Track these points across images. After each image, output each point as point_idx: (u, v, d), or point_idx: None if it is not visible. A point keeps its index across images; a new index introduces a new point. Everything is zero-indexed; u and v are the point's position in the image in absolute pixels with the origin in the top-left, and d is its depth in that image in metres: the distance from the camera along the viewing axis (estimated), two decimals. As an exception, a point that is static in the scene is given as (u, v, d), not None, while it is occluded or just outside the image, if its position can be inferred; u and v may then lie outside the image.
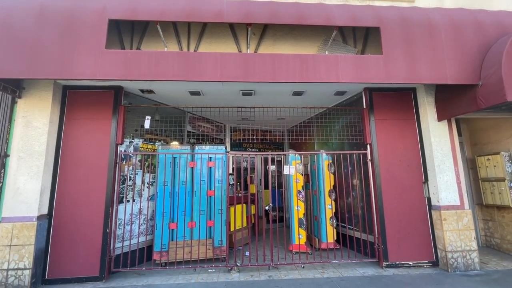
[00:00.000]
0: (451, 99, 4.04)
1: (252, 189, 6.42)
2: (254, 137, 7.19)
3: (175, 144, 5.31)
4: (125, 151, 4.35)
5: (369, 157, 4.45)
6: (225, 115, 4.46)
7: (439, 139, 4.27)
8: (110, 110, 4.16)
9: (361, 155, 4.49)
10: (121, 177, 4.25)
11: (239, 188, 5.97)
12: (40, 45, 3.37)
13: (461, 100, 3.87)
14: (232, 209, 5.22)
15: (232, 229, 5.14)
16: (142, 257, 4.31)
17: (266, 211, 4.06)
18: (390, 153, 4.40)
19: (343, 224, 5.22)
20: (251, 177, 6.51)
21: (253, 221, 6.12)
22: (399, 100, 4.58)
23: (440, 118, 4.28)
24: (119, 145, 4.16)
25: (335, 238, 5.05)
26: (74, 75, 3.30)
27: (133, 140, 4.53)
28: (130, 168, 4.40)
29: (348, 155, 4.49)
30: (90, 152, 4.01)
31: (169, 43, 4.28)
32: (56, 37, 3.39)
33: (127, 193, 4.31)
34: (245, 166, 7.32)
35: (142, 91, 4.55)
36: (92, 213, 3.84)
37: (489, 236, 5.07)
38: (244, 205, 5.62)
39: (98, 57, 3.35)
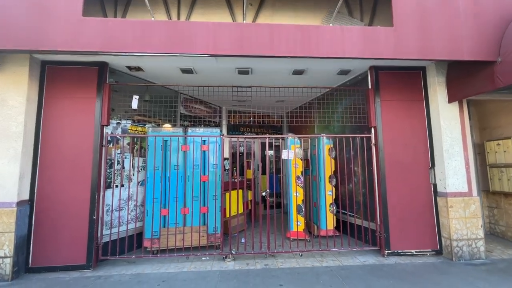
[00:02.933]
0: (465, 78, 3.72)
1: (249, 174, 6.18)
2: (251, 119, 6.88)
3: (167, 126, 5.00)
4: (112, 133, 4.04)
5: (373, 141, 4.18)
6: (220, 96, 4.13)
7: (448, 122, 3.98)
8: (94, 88, 3.82)
9: (364, 139, 4.22)
10: (108, 160, 3.98)
11: (235, 174, 5.73)
12: (9, 13, 2.98)
13: (476, 79, 3.55)
14: (227, 195, 5.00)
15: (227, 215, 4.95)
16: (133, 244, 4.12)
17: (263, 197, 3.82)
18: (395, 137, 4.12)
19: (343, 211, 5.03)
20: (248, 162, 6.27)
21: (249, 207, 5.93)
22: (407, 80, 4.25)
23: (451, 100, 3.97)
24: (105, 127, 3.86)
25: (335, 225, 4.88)
26: (48, 46, 2.95)
27: (120, 122, 4.21)
28: (118, 151, 4.12)
29: (351, 139, 4.22)
30: (73, 134, 3.71)
31: (157, 14, 3.88)
32: (26, 3, 3.00)
33: (116, 178, 4.05)
34: (242, 151, 7.06)
35: (129, 68, 4.19)
36: (77, 198, 3.60)
37: (493, 224, 4.90)
38: (241, 191, 5.40)
39: (74, 26, 2.98)
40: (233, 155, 6.88)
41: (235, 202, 5.17)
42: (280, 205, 7.47)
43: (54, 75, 3.79)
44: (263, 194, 3.84)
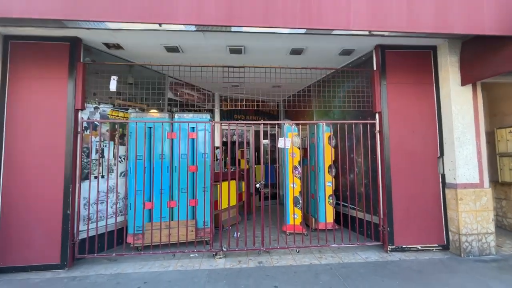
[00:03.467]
0: (482, 58, 3.33)
1: (243, 164, 5.83)
2: (244, 103, 6.46)
3: (154, 112, 4.58)
4: (88, 118, 3.63)
5: (377, 127, 3.82)
6: (209, 79, 3.70)
7: (460, 107, 3.63)
8: (65, 67, 3.37)
9: (368, 126, 3.85)
10: (86, 149, 3.58)
11: (227, 164, 5.37)
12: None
13: (495, 58, 3.17)
14: (219, 186, 4.66)
15: (219, 208, 4.62)
16: (116, 240, 3.77)
17: (258, 189, 3.48)
18: (402, 124, 3.76)
19: (343, 203, 4.72)
20: (242, 152, 5.90)
21: (243, 199, 5.61)
22: (416, 60, 3.86)
23: (464, 82, 3.60)
24: (80, 112, 3.44)
25: (334, 218, 4.58)
26: (1, 12, 2.48)
27: (99, 106, 3.79)
28: (97, 139, 3.71)
29: (353, 126, 3.85)
30: (43, 119, 3.29)
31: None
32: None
33: (94, 168, 3.66)
34: (235, 139, 6.68)
35: (108, 46, 3.73)
36: (49, 191, 3.22)
37: (501, 216, 4.64)
38: (233, 182, 5.06)
39: (32, -11, 2.51)
40: (226, 144, 6.51)
41: (228, 194, 4.83)
42: (276, 196, 7.18)
43: (20, 52, 3.33)
44: (257, 185, 3.50)
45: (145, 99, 4.56)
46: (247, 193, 5.54)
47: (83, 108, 3.43)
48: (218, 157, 4.97)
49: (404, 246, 3.62)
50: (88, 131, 3.63)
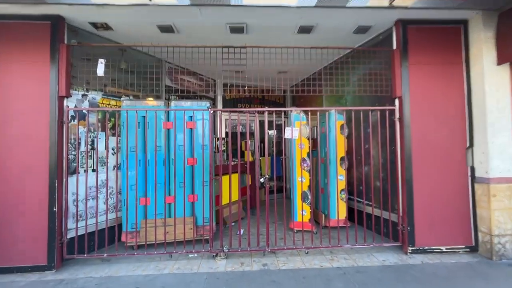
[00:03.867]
0: (525, 30, 2.84)
1: (247, 156, 5.47)
2: (247, 91, 6.05)
3: (149, 100, 4.24)
4: (76, 106, 3.31)
5: (397, 114, 3.39)
6: (208, 61, 3.30)
7: (495, 89, 3.15)
8: (47, 50, 3.03)
9: (387, 112, 3.41)
10: (73, 141, 3.27)
11: (230, 156, 5.02)
12: None
13: (543, 30, 2.67)
14: (223, 179, 4.33)
15: (222, 203, 4.31)
16: (111, 238, 3.50)
17: (262, 183, 3.13)
18: (425, 110, 3.32)
19: (357, 199, 4.33)
20: (246, 143, 5.54)
21: (247, 193, 5.28)
22: (444, 37, 3.37)
23: (501, 60, 3.11)
24: (65, 99, 3.12)
25: (347, 215, 4.21)
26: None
27: (87, 94, 3.45)
28: (86, 129, 3.40)
29: (369, 113, 3.41)
30: (24, 107, 2.98)
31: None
32: None
33: (83, 161, 3.36)
34: (241, 130, 6.31)
35: (95, 26, 3.37)
36: (31, 186, 2.94)
37: (533, 213, 4.17)
38: (236, 175, 4.72)
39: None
40: (231, 135, 6.14)
41: (233, 188, 4.50)
42: (282, 189, 6.84)
43: (-4, 33, 3.00)
44: (262, 180, 3.15)
45: (140, 86, 4.21)
46: (250, 187, 5.21)
47: (68, 95, 3.11)
48: (220, 149, 4.63)
49: (426, 248, 3.24)
50: (76, 120, 3.31)
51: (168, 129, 3.66)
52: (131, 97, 4.00)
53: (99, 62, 3.16)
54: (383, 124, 3.51)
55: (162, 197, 3.58)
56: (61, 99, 3.06)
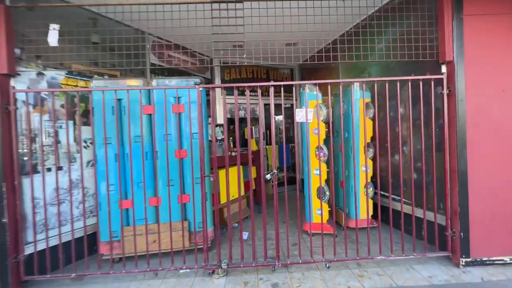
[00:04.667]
0: None
1: (253, 145, 4.75)
2: (248, 71, 5.24)
3: (132, 80, 3.50)
4: (28, 88, 2.60)
5: (445, 86, 2.56)
6: (195, 30, 2.49)
7: None
8: (-20, 12, 2.30)
9: (432, 83, 2.58)
10: (28, 131, 2.59)
11: (232, 145, 4.29)
12: None
13: None
14: (221, 174, 3.64)
15: (222, 201, 3.64)
16: (87, 250, 2.88)
17: (269, 180, 2.40)
18: (485, 78, 2.49)
19: (385, 193, 3.57)
20: (251, 130, 4.79)
21: (253, 187, 4.59)
22: (512, -24, 2.47)
23: None
24: (10, 78, 2.41)
25: (371, 213, 3.48)
26: None
27: (44, 72, 2.73)
28: (47, 117, 2.71)
29: (409, 84, 2.60)
30: (-43, 91, 2.29)
31: None
32: None
33: (45, 157, 2.69)
34: (244, 115, 5.55)
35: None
36: (-26, 192, 2.29)
37: None
38: (241, 167, 4.01)
39: None
40: (231, 121, 5.41)
41: (233, 183, 3.81)
42: (293, 181, 6.14)
43: None
44: (268, 176, 2.42)
45: (121, 64, 3.46)
46: (255, 182, 4.50)
47: (12, 73, 2.40)
48: (220, 137, 3.90)
49: (485, 259, 2.49)
50: (31, 107, 2.61)
51: (150, 115, 2.94)
52: (106, 77, 3.27)
53: (50, 28, 2.40)
54: (426, 99, 2.69)
55: (146, 199, 2.91)
56: (3, 78, 2.35)
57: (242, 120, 5.54)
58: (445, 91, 2.54)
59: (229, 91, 5.17)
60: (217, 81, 5.02)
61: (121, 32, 2.81)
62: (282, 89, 2.42)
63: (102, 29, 3.18)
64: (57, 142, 2.78)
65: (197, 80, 2.73)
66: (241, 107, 5.52)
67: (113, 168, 2.80)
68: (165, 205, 2.92)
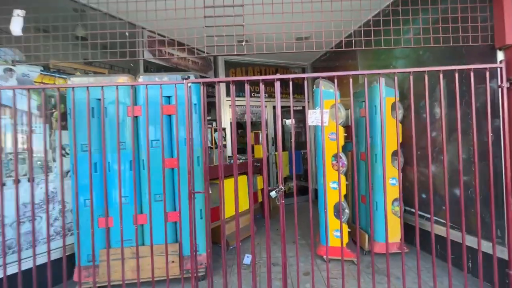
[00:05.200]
0: None
1: (259, 152, 4.26)
2: (255, 70, 4.77)
3: (121, 78, 3.11)
4: (-5, 86, 2.23)
5: (504, 79, 1.97)
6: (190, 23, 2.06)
7: None
8: None
9: (487, 73, 2.00)
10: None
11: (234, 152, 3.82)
12: None
13: None
14: (222, 185, 3.16)
15: (222, 217, 3.16)
16: (62, 274, 2.45)
17: (274, 198, 1.88)
18: (559, 66, 1.89)
19: (418, 213, 2.96)
20: (257, 135, 4.31)
21: (260, 199, 4.08)
22: None
23: None
24: (-30, 74, 2.05)
25: (402, 237, 2.88)
26: None
27: (13, 68, 2.36)
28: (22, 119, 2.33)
29: (455, 76, 2.04)
30: None
31: None
32: None
33: (11, 168, 2.31)
34: (252, 119, 5.08)
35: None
36: None
37: None
38: (243, 177, 3.53)
39: None
40: (238, 125, 4.96)
41: (235, 196, 3.32)
42: (305, 191, 5.59)
43: None
44: (273, 193, 1.91)
45: (109, 61, 3.09)
46: (263, 193, 3.99)
47: (-30, 68, 2.03)
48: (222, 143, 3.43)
49: None
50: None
51: (137, 117, 2.52)
52: (90, 74, 2.89)
53: (14, 14, 2.03)
54: (478, 95, 2.11)
55: (129, 216, 2.47)
56: (-39, 74, 1.99)
57: (252, 124, 5.09)
58: (504, 84, 1.96)
59: (236, 94, 4.73)
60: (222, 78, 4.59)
61: (110, 25, 2.43)
62: (290, 83, 1.89)
63: (91, 21, 2.81)
64: (30, 149, 2.39)
65: (189, 76, 2.28)
66: (252, 111, 5.07)
67: (94, 180, 2.38)
68: (153, 224, 2.46)
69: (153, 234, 2.26)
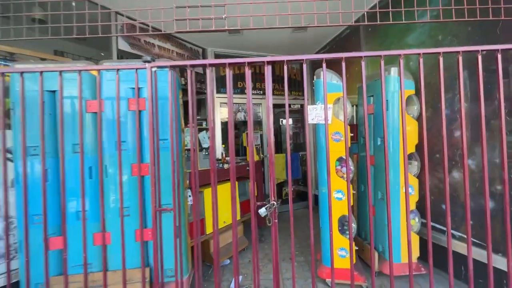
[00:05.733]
0: None
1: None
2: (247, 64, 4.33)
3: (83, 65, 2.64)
4: None
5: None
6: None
7: None
8: None
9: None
10: None
11: (224, 155, 3.38)
12: None
13: None
14: (207, 193, 2.74)
15: (207, 231, 2.74)
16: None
17: (264, 216, 1.42)
18: None
19: (437, 226, 2.53)
20: (247, 135, 3.86)
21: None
22: None
23: None
24: None
25: (418, 255, 2.44)
26: None
27: None
28: None
29: (497, 57, 1.61)
30: None
31: None
32: None
33: None
34: (243, 118, 4.65)
35: None
36: None
37: None
38: (236, 183, 3.08)
39: None
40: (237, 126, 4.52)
41: (223, 206, 2.87)
42: (304, 196, 5.16)
43: None
44: (261, 211, 1.45)
45: (83, 54, 2.64)
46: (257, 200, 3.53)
47: None
48: (204, 146, 2.99)
49: None
50: None
51: (96, 114, 2.06)
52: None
53: None
54: (498, 85, 1.68)
55: (89, 235, 2.01)
56: None
57: (243, 124, 4.66)
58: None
59: (222, 88, 4.30)
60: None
61: (77, 6, 1.98)
62: (285, 67, 1.45)
63: (48, 0, 2.36)
64: (-37, 153, 1.93)
65: (149, 58, 1.81)
66: (240, 108, 4.62)
67: (40, 189, 1.92)
68: (118, 245, 2.01)
69: (120, 257, 1.81)
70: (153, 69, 1.50)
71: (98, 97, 1.66)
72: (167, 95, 1.63)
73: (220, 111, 4.34)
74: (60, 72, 1.54)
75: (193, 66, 1.46)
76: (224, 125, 4.38)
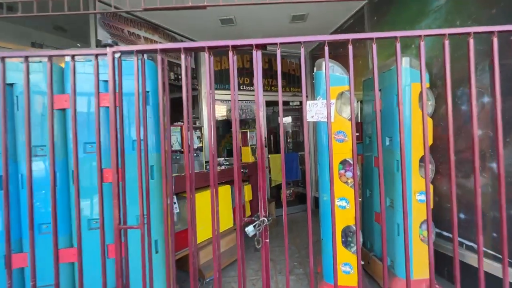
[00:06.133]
0: None
1: (247, 155, 3.53)
2: (243, 59, 4.03)
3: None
4: None
5: None
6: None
7: None
8: None
9: None
10: None
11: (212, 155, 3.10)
12: None
13: None
14: (199, 197, 2.45)
15: (199, 240, 2.45)
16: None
17: (253, 236, 1.14)
18: None
19: (446, 234, 2.24)
20: (244, 134, 3.58)
21: (248, 214, 3.35)
22: None
23: None
24: None
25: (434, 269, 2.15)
26: None
27: None
28: None
29: (493, 42, 1.33)
30: None
31: None
32: None
33: None
34: (241, 115, 4.35)
35: None
36: None
37: None
38: (228, 188, 2.81)
39: None
40: (224, 123, 4.26)
41: (208, 214, 2.59)
42: (303, 198, 4.90)
43: None
44: (249, 230, 1.17)
45: (61, 45, 2.35)
46: (251, 205, 3.24)
47: None
48: (196, 145, 2.71)
49: None
50: None
51: (63, 111, 1.79)
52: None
53: None
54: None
55: (52, 251, 1.73)
56: None
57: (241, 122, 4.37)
58: None
59: (218, 85, 4.01)
60: (203, 70, 3.86)
61: None
62: (278, 51, 1.16)
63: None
64: None
65: (110, 41, 1.51)
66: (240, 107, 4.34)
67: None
68: (90, 261, 1.73)
69: (87, 277, 1.53)
70: (116, 55, 1.21)
71: (49, 90, 1.37)
72: (133, 89, 1.34)
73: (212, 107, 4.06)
74: (3, 58, 1.25)
75: (164, 50, 1.18)
76: (218, 123, 4.11)
